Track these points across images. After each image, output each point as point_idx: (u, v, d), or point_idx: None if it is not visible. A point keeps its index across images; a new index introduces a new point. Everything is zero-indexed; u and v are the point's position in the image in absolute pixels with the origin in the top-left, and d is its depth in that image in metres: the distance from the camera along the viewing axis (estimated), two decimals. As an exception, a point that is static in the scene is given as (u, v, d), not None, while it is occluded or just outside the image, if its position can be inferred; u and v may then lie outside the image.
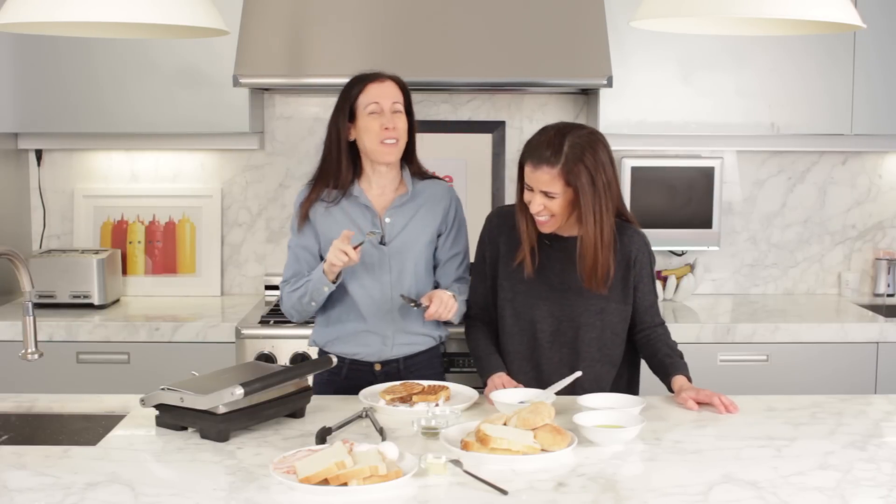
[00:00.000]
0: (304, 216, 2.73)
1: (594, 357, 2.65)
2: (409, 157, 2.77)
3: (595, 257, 2.52)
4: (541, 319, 2.64)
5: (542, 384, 2.58)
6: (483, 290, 2.73)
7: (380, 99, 2.65)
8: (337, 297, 2.74)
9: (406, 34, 3.46)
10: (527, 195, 2.54)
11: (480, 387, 2.58)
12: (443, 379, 2.78)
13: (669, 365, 2.59)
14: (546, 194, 2.49)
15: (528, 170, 2.51)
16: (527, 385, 2.59)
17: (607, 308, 2.63)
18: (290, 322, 2.99)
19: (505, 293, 2.67)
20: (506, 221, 2.68)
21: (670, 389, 2.57)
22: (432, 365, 2.82)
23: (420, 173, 2.80)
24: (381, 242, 2.72)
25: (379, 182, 2.74)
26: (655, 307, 2.71)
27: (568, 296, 2.63)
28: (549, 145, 2.47)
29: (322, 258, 2.72)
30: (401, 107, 2.69)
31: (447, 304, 2.62)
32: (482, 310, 2.75)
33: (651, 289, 2.69)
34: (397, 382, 2.55)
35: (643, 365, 2.75)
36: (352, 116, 2.68)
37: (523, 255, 2.61)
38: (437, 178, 2.84)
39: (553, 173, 2.46)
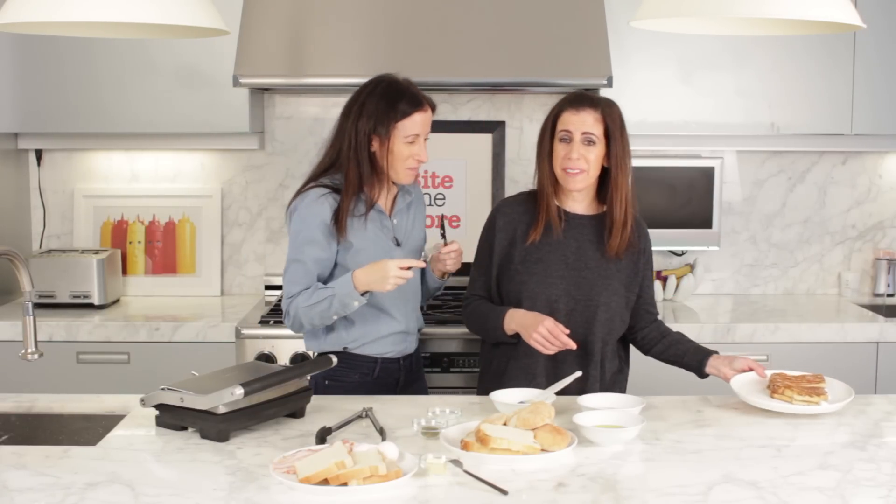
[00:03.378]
0: (342, 229, 2.59)
1: (605, 340, 2.65)
2: None
3: (626, 212, 2.62)
4: (557, 299, 2.62)
5: (556, 368, 2.61)
6: (484, 282, 2.72)
7: (421, 131, 2.61)
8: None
9: (406, 34, 3.46)
10: (562, 149, 2.59)
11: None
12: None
13: (701, 350, 2.66)
14: (586, 139, 2.56)
15: (568, 115, 2.59)
16: (544, 369, 2.63)
17: (620, 291, 2.66)
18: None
19: (519, 276, 2.64)
20: (518, 207, 2.71)
21: (703, 374, 2.64)
22: (420, 357, 2.93)
23: None
24: (397, 244, 2.72)
25: (381, 186, 2.70)
26: (655, 300, 2.83)
27: (585, 274, 2.63)
28: (584, 96, 2.62)
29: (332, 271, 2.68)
30: (429, 133, 2.67)
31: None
32: (482, 300, 2.73)
33: (652, 282, 2.80)
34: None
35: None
36: (385, 131, 2.58)
37: (548, 222, 2.62)
38: None
39: (596, 115, 2.58)
